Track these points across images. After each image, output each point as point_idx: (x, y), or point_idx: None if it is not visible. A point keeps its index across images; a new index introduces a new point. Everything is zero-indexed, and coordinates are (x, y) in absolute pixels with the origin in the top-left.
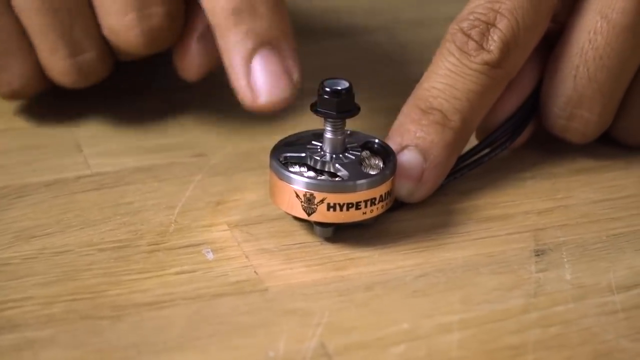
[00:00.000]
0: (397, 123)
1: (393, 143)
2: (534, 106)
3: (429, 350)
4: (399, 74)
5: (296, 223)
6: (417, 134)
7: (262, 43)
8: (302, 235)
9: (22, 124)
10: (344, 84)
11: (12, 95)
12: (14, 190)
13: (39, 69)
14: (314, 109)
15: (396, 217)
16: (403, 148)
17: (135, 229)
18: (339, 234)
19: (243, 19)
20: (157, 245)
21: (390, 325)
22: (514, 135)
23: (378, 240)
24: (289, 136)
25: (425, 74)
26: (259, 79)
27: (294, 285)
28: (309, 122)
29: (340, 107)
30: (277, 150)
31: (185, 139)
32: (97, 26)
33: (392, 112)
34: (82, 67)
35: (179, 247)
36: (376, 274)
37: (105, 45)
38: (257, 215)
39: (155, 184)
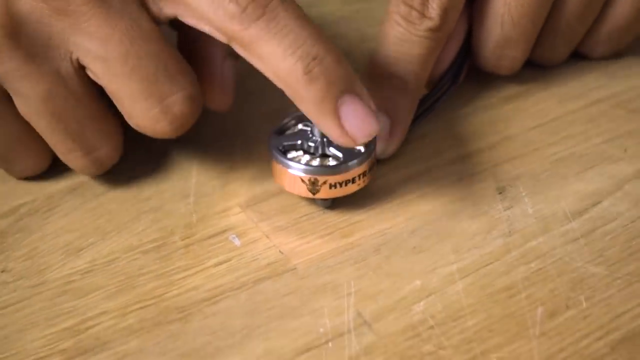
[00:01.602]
0: None
1: None
2: (467, 50)
3: (443, 303)
4: None
5: (295, 196)
6: (381, 99)
7: (341, 92)
8: (305, 207)
9: None
10: None
11: (22, 178)
12: (43, 203)
13: (50, 159)
14: None
15: (373, 172)
16: None
17: (164, 225)
18: (337, 201)
19: (317, 76)
20: (189, 239)
21: (406, 285)
22: (455, 78)
23: (368, 200)
24: (279, 124)
25: (378, 44)
26: (351, 127)
27: (315, 259)
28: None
29: None
30: (274, 140)
31: None
32: (109, 121)
33: None
34: (98, 161)
35: (208, 237)
36: (377, 235)
37: (119, 136)
38: (261, 192)
39: (162, 175)
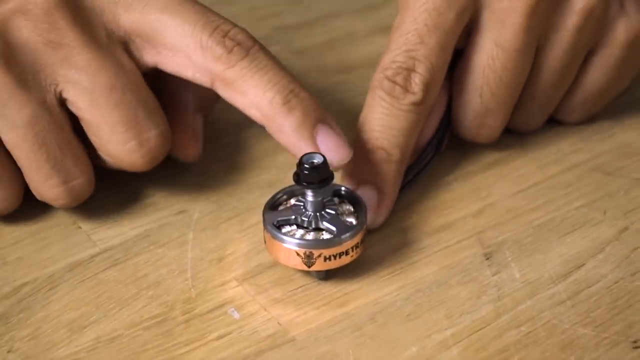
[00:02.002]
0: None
1: (349, 182)
2: (449, 120)
3: None
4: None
5: (290, 268)
6: (369, 172)
7: (317, 120)
8: (300, 278)
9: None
10: (319, 158)
11: None
12: (44, 282)
13: (22, 191)
14: (298, 182)
15: (365, 243)
16: (359, 185)
17: (164, 301)
18: (331, 272)
19: (294, 106)
20: (189, 314)
21: (403, 352)
22: (438, 147)
23: (360, 270)
24: (270, 199)
25: (363, 118)
26: (327, 150)
27: (313, 329)
28: (260, 165)
29: (320, 178)
30: (268, 216)
31: (162, 197)
32: (85, 155)
33: None
34: (74, 192)
35: (208, 312)
36: (372, 304)
37: (93, 169)
38: (256, 265)
39: (159, 251)
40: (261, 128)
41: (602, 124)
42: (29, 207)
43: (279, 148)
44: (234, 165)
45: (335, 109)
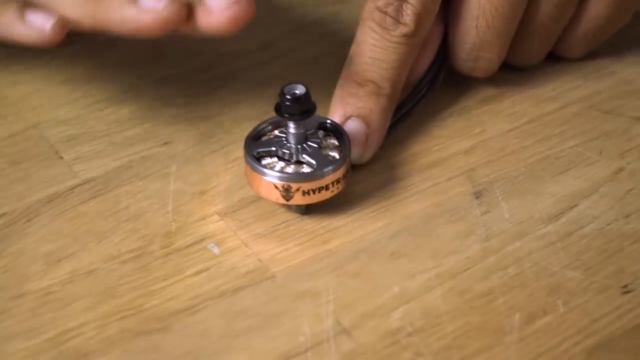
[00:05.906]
0: (336, 97)
1: (337, 115)
2: (445, 54)
3: (422, 310)
4: None
5: (273, 203)
6: (358, 105)
7: None
8: (282, 214)
9: None
10: (302, 89)
11: None
12: (22, 214)
13: None
14: (279, 113)
15: (352, 178)
16: (347, 118)
17: (143, 234)
18: (311, 207)
19: None
20: (168, 248)
21: (384, 292)
22: (432, 83)
23: (346, 206)
24: (253, 130)
25: (353, 50)
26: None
27: (294, 266)
28: (250, 96)
29: (302, 109)
30: (249, 147)
31: (146, 128)
32: None
33: None
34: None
35: (187, 246)
36: (356, 242)
37: None
38: (238, 200)
39: (140, 183)
40: (252, 59)
41: (602, 60)
42: (12, 135)
43: (269, 79)
44: (222, 96)
45: (332, 40)
